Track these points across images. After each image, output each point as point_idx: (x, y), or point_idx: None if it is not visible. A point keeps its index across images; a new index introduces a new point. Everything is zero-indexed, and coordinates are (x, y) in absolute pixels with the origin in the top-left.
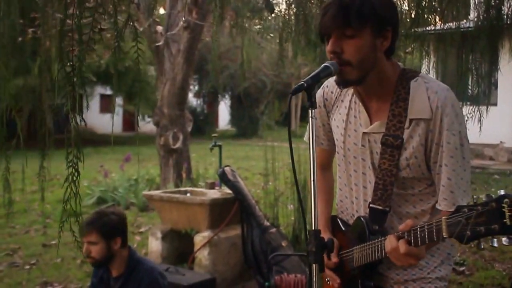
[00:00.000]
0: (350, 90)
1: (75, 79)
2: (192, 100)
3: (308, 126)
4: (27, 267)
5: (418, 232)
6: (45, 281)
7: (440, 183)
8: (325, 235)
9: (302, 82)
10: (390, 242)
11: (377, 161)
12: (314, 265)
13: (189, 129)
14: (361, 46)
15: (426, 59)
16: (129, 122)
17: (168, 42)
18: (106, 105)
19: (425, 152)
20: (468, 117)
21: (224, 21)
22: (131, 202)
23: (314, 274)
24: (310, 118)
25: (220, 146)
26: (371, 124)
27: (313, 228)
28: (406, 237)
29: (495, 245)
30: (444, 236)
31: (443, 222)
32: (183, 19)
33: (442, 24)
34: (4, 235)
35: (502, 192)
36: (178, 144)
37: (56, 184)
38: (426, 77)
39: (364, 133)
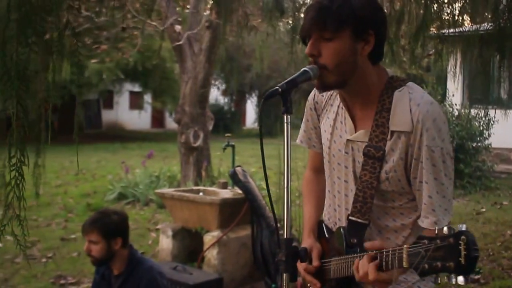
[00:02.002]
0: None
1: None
2: (220, 98)
3: (284, 131)
4: (44, 260)
5: (385, 257)
6: (60, 274)
7: (421, 200)
8: (309, 240)
9: (277, 87)
10: (362, 266)
11: (359, 170)
12: (284, 274)
13: (210, 127)
14: (339, 49)
15: (452, 61)
16: (157, 119)
17: (191, 40)
18: (135, 102)
19: (405, 167)
20: (493, 121)
21: (247, 21)
22: (150, 199)
23: (284, 284)
24: (286, 124)
25: (233, 146)
26: (355, 131)
27: (285, 237)
28: (378, 259)
29: (453, 282)
30: (404, 266)
31: (404, 250)
32: (205, 18)
33: (472, 26)
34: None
35: (463, 227)
36: (199, 142)
37: (81, 179)
38: (412, 88)
39: (348, 140)
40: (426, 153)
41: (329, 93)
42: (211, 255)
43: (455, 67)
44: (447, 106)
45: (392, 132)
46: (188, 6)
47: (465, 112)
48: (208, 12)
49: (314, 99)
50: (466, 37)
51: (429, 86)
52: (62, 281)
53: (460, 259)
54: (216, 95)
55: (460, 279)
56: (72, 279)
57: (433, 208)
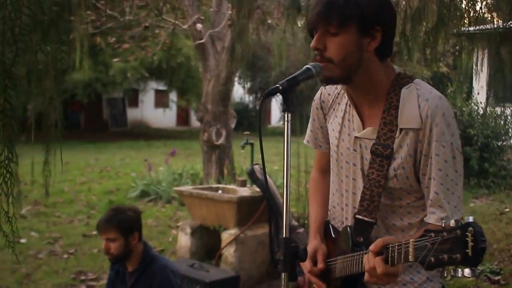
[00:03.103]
0: None
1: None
2: (245, 96)
3: (284, 129)
4: (65, 256)
5: (391, 251)
6: (80, 270)
7: (428, 197)
8: (315, 241)
9: (278, 85)
10: (368, 260)
11: (367, 167)
12: (282, 273)
13: (233, 125)
14: (344, 44)
15: (478, 59)
16: (182, 117)
17: (213, 39)
18: (160, 100)
19: (414, 164)
20: None
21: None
22: (173, 196)
23: (283, 283)
24: (286, 122)
25: (252, 144)
26: (363, 129)
27: (284, 236)
28: (384, 254)
29: (459, 275)
30: (410, 260)
31: (410, 244)
32: (228, 16)
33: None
34: (49, 223)
35: (470, 219)
36: (221, 140)
37: (105, 176)
38: (420, 84)
39: (356, 137)
40: (435, 148)
41: (336, 92)
42: (229, 252)
43: (477, 65)
44: (472, 104)
45: (401, 130)
46: (211, 6)
47: (490, 111)
48: (230, 11)
49: (320, 98)
50: (489, 34)
51: (454, 84)
52: (83, 277)
53: (467, 250)
54: (241, 93)
55: (467, 271)
56: (93, 275)
57: (441, 204)
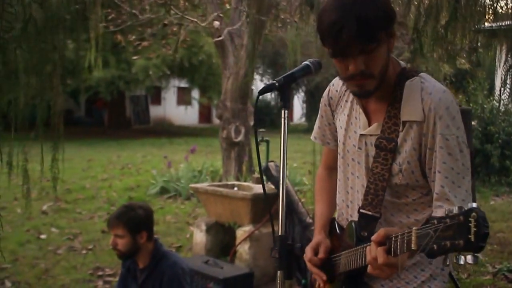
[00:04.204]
0: None
1: None
2: (267, 94)
3: (282, 126)
4: (84, 251)
5: (393, 241)
6: (98, 266)
7: (434, 191)
8: (319, 236)
9: (274, 81)
10: (370, 251)
11: (371, 163)
12: (278, 271)
13: (252, 122)
14: (381, 56)
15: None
16: (204, 114)
17: (232, 36)
18: (182, 98)
19: (419, 158)
20: None
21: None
22: (192, 193)
23: (278, 281)
24: (283, 119)
25: (267, 141)
26: (369, 126)
27: (279, 234)
28: (386, 244)
29: (461, 262)
30: (413, 248)
31: (413, 233)
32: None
33: None
34: (70, 220)
35: (473, 205)
36: (240, 138)
37: (126, 173)
38: (424, 77)
39: (361, 135)
40: (440, 141)
41: (343, 89)
42: (243, 249)
43: (497, 61)
44: (494, 101)
45: (404, 123)
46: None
47: None
48: (247, 8)
49: (328, 95)
50: (508, 30)
51: (476, 81)
52: (100, 273)
53: (469, 236)
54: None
55: (469, 258)
56: (110, 270)
57: (447, 197)
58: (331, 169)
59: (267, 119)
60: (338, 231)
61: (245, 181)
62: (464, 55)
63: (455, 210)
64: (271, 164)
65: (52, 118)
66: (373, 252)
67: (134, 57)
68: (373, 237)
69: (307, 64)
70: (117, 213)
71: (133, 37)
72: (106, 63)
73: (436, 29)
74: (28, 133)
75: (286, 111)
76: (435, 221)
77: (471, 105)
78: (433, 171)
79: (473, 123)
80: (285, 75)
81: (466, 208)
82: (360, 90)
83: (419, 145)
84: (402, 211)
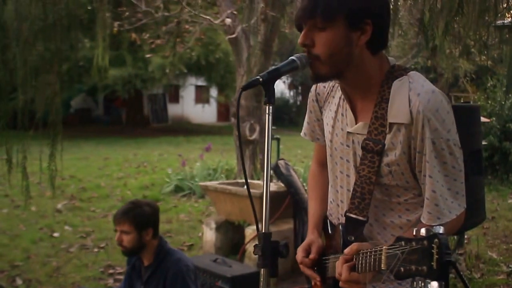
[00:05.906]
0: None
1: None
2: (286, 92)
3: (266, 122)
4: (96, 250)
5: (361, 258)
6: (109, 264)
7: (425, 195)
8: (311, 236)
9: (258, 77)
10: (338, 265)
11: (358, 164)
12: (261, 269)
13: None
14: (332, 39)
15: None
16: (222, 113)
17: (246, 34)
18: (200, 96)
19: (409, 160)
20: None
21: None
22: None
23: (262, 279)
24: (267, 115)
25: (278, 139)
26: (356, 123)
27: (263, 231)
28: (354, 260)
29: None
30: (382, 268)
31: (383, 252)
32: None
33: None
34: (83, 218)
35: (440, 229)
36: (255, 136)
37: (142, 171)
38: (413, 77)
39: (348, 132)
40: (429, 145)
41: (331, 84)
42: (252, 248)
43: None
44: None
45: (391, 125)
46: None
47: None
48: (263, 5)
49: (316, 90)
50: None
51: (495, 78)
52: (111, 271)
53: (432, 263)
54: (282, 88)
55: (434, 285)
56: (121, 269)
57: (436, 203)
58: (324, 165)
59: (285, 117)
60: (330, 230)
61: (258, 179)
62: (486, 52)
63: (423, 231)
64: (280, 162)
65: (49, 115)
66: (338, 268)
67: (148, 55)
68: (345, 251)
69: (293, 59)
70: (123, 209)
71: (147, 35)
72: (123, 61)
73: (452, 25)
74: (44, 132)
75: (271, 107)
76: (403, 243)
77: (489, 102)
78: (423, 174)
79: (492, 120)
80: (269, 70)
81: (432, 232)
82: (312, 73)
83: (409, 148)
84: (394, 210)
